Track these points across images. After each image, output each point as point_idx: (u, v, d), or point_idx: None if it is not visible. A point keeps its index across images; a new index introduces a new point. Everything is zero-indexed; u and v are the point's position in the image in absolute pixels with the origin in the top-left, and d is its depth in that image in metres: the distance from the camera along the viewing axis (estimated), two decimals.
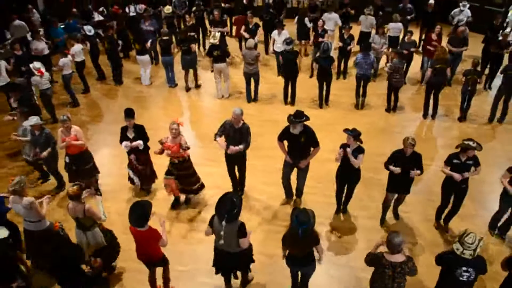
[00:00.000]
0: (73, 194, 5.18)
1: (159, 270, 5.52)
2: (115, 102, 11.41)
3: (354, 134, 6.23)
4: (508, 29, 12.90)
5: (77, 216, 5.31)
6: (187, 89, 11.78)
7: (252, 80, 10.74)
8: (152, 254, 5.16)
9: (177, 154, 6.65)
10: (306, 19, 12.70)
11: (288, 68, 10.49)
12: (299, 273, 5.29)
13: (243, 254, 5.11)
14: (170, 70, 11.79)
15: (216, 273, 5.40)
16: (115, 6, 14.94)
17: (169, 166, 6.92)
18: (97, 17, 14.43)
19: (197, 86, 11.99)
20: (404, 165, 6.16)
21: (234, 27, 14.35)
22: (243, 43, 13.38)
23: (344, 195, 6.92)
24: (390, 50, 11.69)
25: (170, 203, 7.33)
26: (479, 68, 9.75)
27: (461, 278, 4.47)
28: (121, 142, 7.04)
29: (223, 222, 4.68)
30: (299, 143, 6.47)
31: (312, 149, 6.62)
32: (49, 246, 5.15)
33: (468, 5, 12.77)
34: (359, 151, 6.28)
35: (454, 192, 6.43)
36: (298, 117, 6.28)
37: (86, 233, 5.42)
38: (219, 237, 4.84)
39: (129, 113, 6.96)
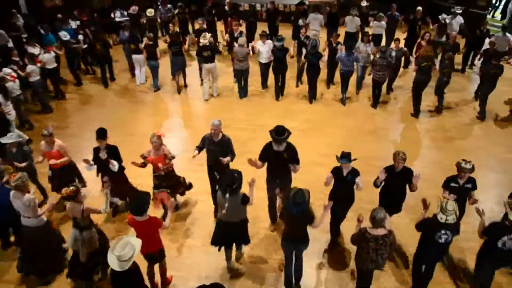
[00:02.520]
0: (66, 195, 5.24)
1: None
2: (99, 107, 11.32)
3: (350, 161, 5.76)
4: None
5: (75, 216, 5.38)
6: (179, 91, 11.84)
7: (242, 78, 11.18)
8: (152, 244, 5.23)
9: (164, 166, 6.38)
10: (300, 21, 13.24)
11: (278, 64, 10.89)
12: (294, 252, 5.57)
13: (243, 222, 5.70)
14: (154, 75, 11.88)
15: (219, 249, 5.83)
16: (83, 16, 14.62)
17: (155, 180, 6.62)
18: (75, 23, 14.29)
19: (185, 86, 12.20)
20: (394, 181, 5.90)
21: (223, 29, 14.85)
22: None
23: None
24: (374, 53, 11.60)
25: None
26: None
27: (440, 241, 5.05)
28: (94, 163, 6.58)
29: (227, 195, 5.16)
30: (283, 160, 6.04)
31: (293, 167, 6.15)
32: (42, 243, 5.67)
33: (461, 10, 12.69)
34: (354, 174, 5.84)
35: None
36: (281, 133, 5.84)
37: (82, 233, 5.44)
38: (223, 209, 5.28)
39: (100, 134, 6.43)
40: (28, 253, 5.77)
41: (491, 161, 8.59)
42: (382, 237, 4.80)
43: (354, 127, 9.97)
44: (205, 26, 12.25)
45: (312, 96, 11.17)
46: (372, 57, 10.79)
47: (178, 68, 11.53)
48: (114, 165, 6.41)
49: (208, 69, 10.95)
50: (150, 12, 14.02)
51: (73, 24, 14.12)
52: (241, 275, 6.04)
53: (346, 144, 9.10)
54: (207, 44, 10.62)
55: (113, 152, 6.57)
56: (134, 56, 11.94)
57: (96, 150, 6.57)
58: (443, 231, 5.01)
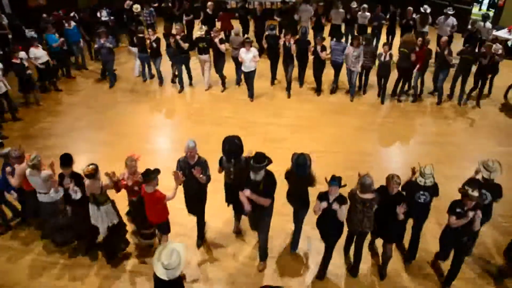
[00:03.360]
0: (88, 173, 5.58)
1: None
2: (87, 106, 11.15)
3: (340, 185, 5.33)
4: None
5: (94, 193, 5.72)
6: (172, 80, 12.35)
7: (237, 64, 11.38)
8: (158, 215, 5.77)
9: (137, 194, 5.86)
10: (296, 16, 13.73)
11: (271, 51, 11.54)
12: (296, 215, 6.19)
13: None
14: (148, 65, 12.22)
15: (228, 205, 6.42)
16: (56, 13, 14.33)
17: (130, 207, 6.18)
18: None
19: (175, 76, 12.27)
20: (388, 205, 5.46)
21: (219, 23, 14.61)
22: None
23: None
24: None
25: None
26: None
27: (419, 200, 5.68)
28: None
29: (232, 160, 5.77)
30: (258, 191, 5.39)
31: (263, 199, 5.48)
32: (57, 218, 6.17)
33: (453, 11, 12.45)
34: (341, 201, 5.32)
35: (455, 246, 5.63)
36: (260, 161, 5.28)
37: (100, 208, 5.82)
38: (229, 174, 5.95)
39: (64, 161, 5.90)
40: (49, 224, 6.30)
41: (483, 155, 8.61)
42: (369, 201, 5.35)
43: (346, 124, 10.01)
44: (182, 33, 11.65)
45: (301, 82, 11.87)
46: (361, 61, 10.55)
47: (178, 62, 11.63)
48: (76, 193, 5.83)
49: (204, 60, 11.34)
50: (136, 8, 14.13)
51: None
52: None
53: (336, 139, 9.24)
54: (203, 35, 11.05)
55: (76, 180, 5.95)
56: (130, 48, 12.84)
57: (61, 176, 6.07)
58: (421, 192, 5.65)
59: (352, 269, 6.04)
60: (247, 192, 5.34)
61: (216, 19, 14.43)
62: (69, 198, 5.94)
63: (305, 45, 10.96)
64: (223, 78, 11.72)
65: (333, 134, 9.48)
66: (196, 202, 6.20)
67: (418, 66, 10.36)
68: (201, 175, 5.69)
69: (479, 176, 5.77)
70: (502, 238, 6.57)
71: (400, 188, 5.54)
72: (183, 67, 11.55)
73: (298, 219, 6.20)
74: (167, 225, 5.94)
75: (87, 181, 5.66)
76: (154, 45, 11.34)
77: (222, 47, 10.99)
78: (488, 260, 6.25)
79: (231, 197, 6.20)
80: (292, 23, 13.72)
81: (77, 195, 5.84)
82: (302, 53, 11.07)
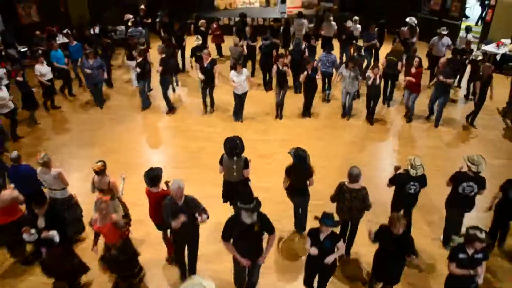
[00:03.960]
0: (98, 169, 6.10)
1: None
2: (83, 121, 11.17)
3: (333, 224, 5.03)
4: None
5: (102, 188, 6.12)
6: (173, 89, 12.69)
7: None
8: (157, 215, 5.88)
9: (113, 239, 5.52)
10: (291, 28, 14.27)
11: (265, 60, 12.26)
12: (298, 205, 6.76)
13: (245, 181, 6.70)
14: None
15: (225, 201, 6.88)
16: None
17: (105, 250, 5.73)
18: (61, 38, 14.24)
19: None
20: (391, 248, 5.12)
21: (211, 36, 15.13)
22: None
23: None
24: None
25: None
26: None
27: (409, 191, 6.11)
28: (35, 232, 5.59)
29: (234, 158, 6.27)
30: (253, 234, 5.00)
31: (268, 237, 5.26)
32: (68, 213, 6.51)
33: (447, 32, 12.50)
34: (335, 238, 5.10)
35: None
36: (249, 201, 4.80)
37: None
38: (231, 171, 6.47)
39: (38, 200, 5.63)
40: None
41: None
42: (356, 191, 5.75)
43: (337, 138, 10.10)
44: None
45: (295, 90, 12.39)
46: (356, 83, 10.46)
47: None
48: (54, 236, 5.32)
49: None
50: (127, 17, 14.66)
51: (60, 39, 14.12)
52: None
53: (326, 154, 9.27)
54: (200, 45, 11.76)
55: (53, 220, 5.61)
56: (127, 61, 12.97)
57: (33, 217, 5.72)
58: (412, 183, 6.05)
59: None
60: (247, 262, 5.12)
61: (209, 32, 14.74)
62: (44, 240, 5.37)
63: (299, 55, 11.55)
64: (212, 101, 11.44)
65: (324, 149, 9.52)
66: (190, 240, 5.83)
67: (415, 88, 10.17)
68: (203, 217, 5.54)
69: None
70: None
71: (389, 181, 6.30)
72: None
73: (303, 208, 6.80)
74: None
75: (96, 177, 6.19)
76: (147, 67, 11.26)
77: (216, 82, 10.81)
78: None
79: (230, 194, 6.69)
80: (285, 37, 13.99)
81: (55, 238, 5.30)
82: (296, 64, 11.51)
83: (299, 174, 6.32)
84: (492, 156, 8.97)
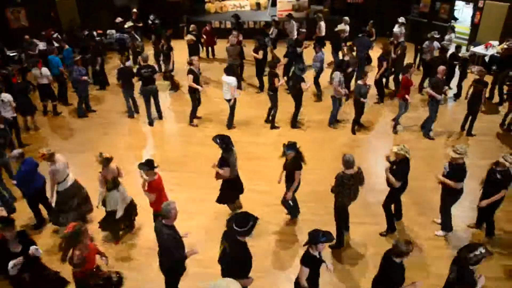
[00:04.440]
0: (108, 158, 6.48)
1: None
2: (74, 129, 11.11)
3: (332, 239, 4.90)
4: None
5: (114, 176, 6.54)
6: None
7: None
8: (161, 202, 5.71)
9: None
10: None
11: (259, 63, 12.59)
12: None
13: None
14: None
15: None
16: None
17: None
18: (42, 44, 14.15)
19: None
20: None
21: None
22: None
23: None
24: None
25: None
26: None
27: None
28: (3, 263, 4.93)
29: (234, 149, 6.90)
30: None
31: None
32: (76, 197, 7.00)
33: (438, 36, 12.70)
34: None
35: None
36: (243, 224, 4.58)
37: (119, 188, 6.67)
38: (235, 165, 6.96)
39: (6, 222, 5.09)
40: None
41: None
42: (354, 175, 6.16)
43: (330, 141, 10.17)
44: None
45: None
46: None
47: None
48: (37, 250, 5.02)
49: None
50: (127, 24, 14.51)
51: (41, 45, 13.96)
52: None
53: (319, 156, 9.30)
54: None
55: (26, 244, 5.11)
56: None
57: (3, 243, 5.05)
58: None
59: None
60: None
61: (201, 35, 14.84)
62: (31, 262, 5.05)
63: (292, 55, 12.42)
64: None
65: (317, 151, 9.53)
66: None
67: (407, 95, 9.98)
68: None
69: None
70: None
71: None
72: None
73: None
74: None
75: (103, 171, 6.47)
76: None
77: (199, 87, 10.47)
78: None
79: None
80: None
81: (38, 252, 5.02)
82: (290, 64, 12.26)
83: (291, 163, 6.74)
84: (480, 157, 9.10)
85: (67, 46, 12.66)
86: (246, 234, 4.59)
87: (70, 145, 10.11)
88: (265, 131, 10.68)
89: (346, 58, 11.71)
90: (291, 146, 6.60)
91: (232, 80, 10.05)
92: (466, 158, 6.44)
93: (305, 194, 7.30)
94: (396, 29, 13.91)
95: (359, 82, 10.01)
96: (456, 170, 6.43)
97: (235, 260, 4.66)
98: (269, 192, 7.67)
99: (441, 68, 9.86)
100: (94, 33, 15.08)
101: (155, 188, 6.22)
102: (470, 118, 10.17)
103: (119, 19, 15.06)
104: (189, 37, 12.79)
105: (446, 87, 10.31)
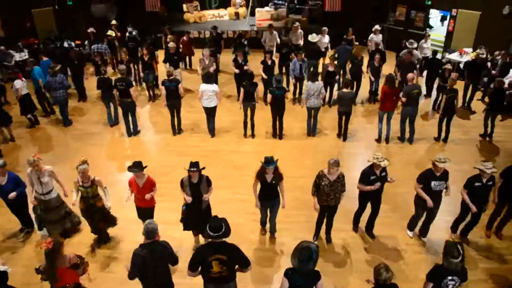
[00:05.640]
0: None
1: None
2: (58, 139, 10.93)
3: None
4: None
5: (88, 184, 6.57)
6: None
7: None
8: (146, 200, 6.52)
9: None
10: (262, 40, 14.90)
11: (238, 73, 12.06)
12: (268, 209, 6.88)
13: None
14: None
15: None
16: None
17: None
18: (19, 55, 13.97)
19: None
20: None
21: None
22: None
23: None
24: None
25: None
26: None
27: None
28: None
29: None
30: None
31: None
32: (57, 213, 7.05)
33: (416, 45, 12.98)
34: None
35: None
36: (219, 231, 4.66)
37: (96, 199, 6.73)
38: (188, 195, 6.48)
39: None
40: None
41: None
42: (335, 181, 6.36)
43: (311, 149, 10.25)
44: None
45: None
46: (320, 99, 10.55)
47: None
48: (4, 266, 5.13)
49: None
50: (111, 33, 14.80)
51: (17, 56, 13.77)
52: None
53: (300, 164, 9.38)
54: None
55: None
56: None
57: None
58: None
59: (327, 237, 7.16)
60: None
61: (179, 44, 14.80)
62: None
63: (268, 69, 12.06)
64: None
65: (298, 159, 9.63)
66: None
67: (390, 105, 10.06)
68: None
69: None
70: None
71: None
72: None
73: (274, 211, 6.89)
74: (152, 212, 6.76)
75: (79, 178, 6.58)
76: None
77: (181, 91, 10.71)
78: None
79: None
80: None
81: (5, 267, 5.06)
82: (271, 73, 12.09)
83: (272, 177, 6.57)
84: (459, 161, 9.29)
85: (45, 58, 12.47)
86: (225, 235, 4.69)
87: (48, 157, 9.91)
88: (245, 139, 10.72)
89: (331, 68, 11.80)
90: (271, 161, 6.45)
91: (216, 87, 10.20)
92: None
93: (287, 201, 7.31)
94: (375, 38, 14.06)
95: (344, 90, 10.07)
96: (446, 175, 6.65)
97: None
98: (250, 201, 7.63)
99: (410, 75, 10.06)
100: (72, 43, 14.95)
101: (151, 186, 6.57)
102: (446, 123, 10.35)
103: (91, 29, 14.95)
104: (172, 44, 12.70)
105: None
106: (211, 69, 11.66)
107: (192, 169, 6.12)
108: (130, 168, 6.40)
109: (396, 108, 10.32)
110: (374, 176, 6.60)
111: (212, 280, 4.83)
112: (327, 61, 12.11)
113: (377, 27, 14.39)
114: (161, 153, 10.20)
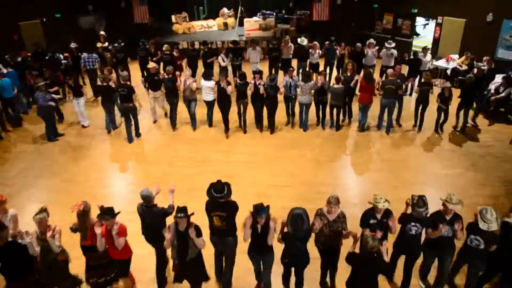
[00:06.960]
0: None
1: None
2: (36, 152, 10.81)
3: None
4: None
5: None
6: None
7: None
8: (121, 250, 5.72)
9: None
10: (245, 54, 14.34)
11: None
12: (261, 263, 5.86)
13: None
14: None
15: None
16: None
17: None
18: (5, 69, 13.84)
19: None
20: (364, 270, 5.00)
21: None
22: None
23: None
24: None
25: None
26: None
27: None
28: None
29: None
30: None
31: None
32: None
33: (394, 44, 13.25)
34: None
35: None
36: (222, 192, 5.65)
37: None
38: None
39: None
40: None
41: (429, 178, 9.05)
42: (335, 221, 5.66)
43: (301, 157, 10.15)
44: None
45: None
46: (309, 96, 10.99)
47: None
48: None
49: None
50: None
51: (4, 70, 13.60)
52: None
53: (292, 173, 9.34)
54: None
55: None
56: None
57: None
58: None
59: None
60: None
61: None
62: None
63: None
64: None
65: (289, 168, 9.57)
66: None
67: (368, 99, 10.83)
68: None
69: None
70: None
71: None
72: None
73: (267, 267, 5.85)
74: (128, 264, 5.90)
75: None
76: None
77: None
78: None
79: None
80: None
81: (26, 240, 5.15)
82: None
83: (259, 236, 5.57)
84: (445, 166, 9.39)
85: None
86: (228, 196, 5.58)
87: (35, 170, 9.81)
88: (235, 148, 10.70)
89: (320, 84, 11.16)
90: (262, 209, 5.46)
91: (213, 83, 11.11)
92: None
93: (276, 210, 7.25)
94: (370, 52, 13.49)
95: (335, 86, 10.68)
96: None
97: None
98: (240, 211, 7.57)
99: (390, 71, 10.88)
100: (61, 56, 14.85)
101: (124, 232, 5.58)
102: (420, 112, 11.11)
103: (74, 45, 14.80)
104: (152, 65, 12.01)
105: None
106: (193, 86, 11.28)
107: (179, 215, 5.16)
108: (100, 216, 5.47)
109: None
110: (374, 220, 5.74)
111: (215, 233, 5.83)
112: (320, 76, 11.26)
113: (371, 40, 13.76)
114: (148, 163, 10.10)
